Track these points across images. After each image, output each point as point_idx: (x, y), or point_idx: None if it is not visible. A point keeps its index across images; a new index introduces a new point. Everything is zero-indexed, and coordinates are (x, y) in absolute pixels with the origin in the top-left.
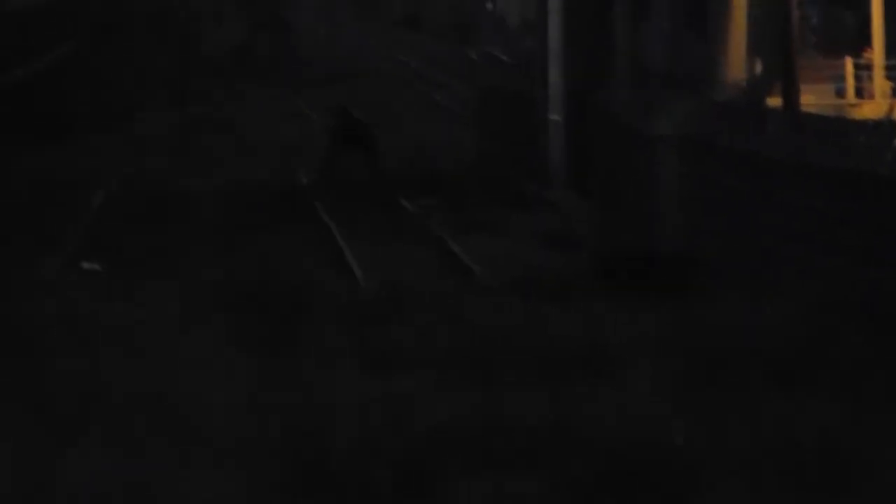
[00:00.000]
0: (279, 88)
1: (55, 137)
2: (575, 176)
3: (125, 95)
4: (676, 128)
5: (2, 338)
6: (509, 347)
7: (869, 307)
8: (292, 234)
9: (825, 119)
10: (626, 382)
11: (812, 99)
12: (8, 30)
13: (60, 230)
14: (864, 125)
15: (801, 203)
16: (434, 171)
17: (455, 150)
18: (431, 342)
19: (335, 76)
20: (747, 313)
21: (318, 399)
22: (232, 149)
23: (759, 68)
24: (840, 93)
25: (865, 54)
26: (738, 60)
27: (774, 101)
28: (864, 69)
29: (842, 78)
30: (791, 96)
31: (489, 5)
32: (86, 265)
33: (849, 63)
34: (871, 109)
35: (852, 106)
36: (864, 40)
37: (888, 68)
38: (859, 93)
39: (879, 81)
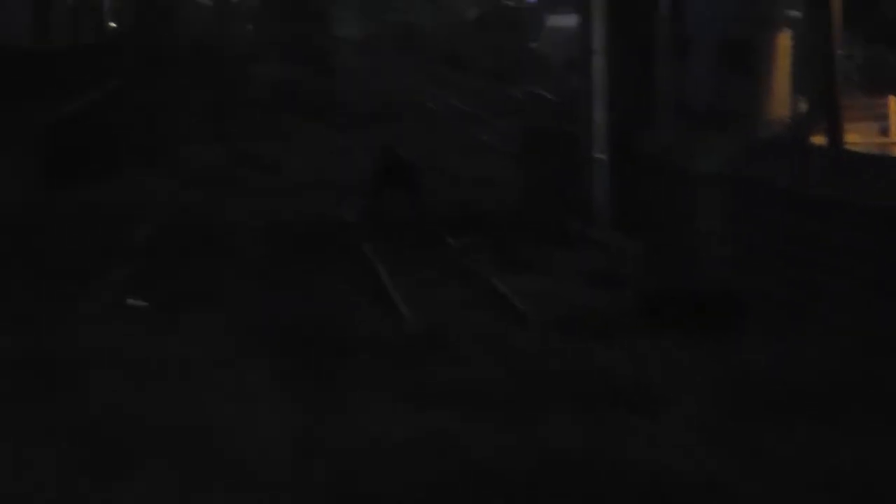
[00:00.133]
0: (324, 126)
1: (101, 172)
2: (619, 214)
3: (170, 130)
4: (720, 166)
5: (46, 372)
6: (553, 384)
7: None
8: (337, 272)
9: (869, 157)
10: (669, 419)
11: (856, 137)
12: (55, 68)
13: (106, 265)
14: None
15: (846, 241)
16: (478, 210)
17: (499, 189)
18: (477, 379)
19: (379, 114)
20: (793, 351)
21: (366, 435)
22: (277, 185)
23: (802, 107)
24: (884, 131)
25: None
26: (781, 98)
27: (818, 140)
28: None
29: (885, 116)
30: (835, 134)
31: (532, 44)
32: (131, 301)
33: (892, 102)
34: None
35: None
36: None
37: None
38: None
39: None
